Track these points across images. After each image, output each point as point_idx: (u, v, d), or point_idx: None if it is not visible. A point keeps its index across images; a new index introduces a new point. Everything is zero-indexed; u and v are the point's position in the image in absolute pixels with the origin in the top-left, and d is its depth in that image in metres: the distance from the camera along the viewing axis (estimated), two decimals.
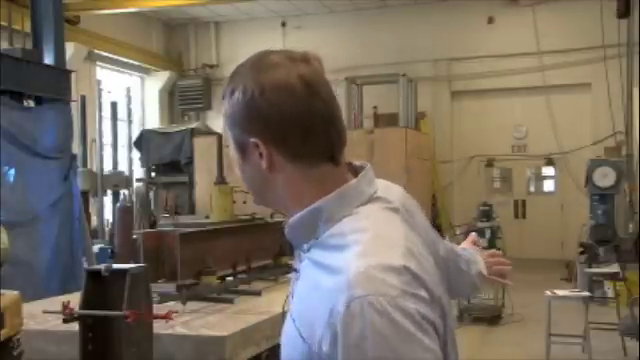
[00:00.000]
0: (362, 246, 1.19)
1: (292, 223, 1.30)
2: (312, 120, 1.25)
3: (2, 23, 8.29)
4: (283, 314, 1.38)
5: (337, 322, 1.13)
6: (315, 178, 1.28)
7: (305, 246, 1.30)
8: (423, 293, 1.17)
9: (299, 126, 1.25)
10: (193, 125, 13.52)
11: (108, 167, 10.56)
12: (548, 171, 15.13)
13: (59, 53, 7.16)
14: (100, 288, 2.20)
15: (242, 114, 1.27)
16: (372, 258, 1.17)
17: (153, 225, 6.68)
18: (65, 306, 2.18)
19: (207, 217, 6.76)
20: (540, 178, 15.44)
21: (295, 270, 1.37)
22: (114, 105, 10.61)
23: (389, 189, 1.39)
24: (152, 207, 11.00)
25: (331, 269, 1.19)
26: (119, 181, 10.26)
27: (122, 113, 11.46)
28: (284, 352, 1.31)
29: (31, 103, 6.79)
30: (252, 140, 1.26)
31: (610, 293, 8.80)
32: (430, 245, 1.40)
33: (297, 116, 1.24)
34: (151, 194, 11.50)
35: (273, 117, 1.24)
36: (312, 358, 1.21)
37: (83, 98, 9.76)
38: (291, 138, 1.25)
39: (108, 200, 10.14)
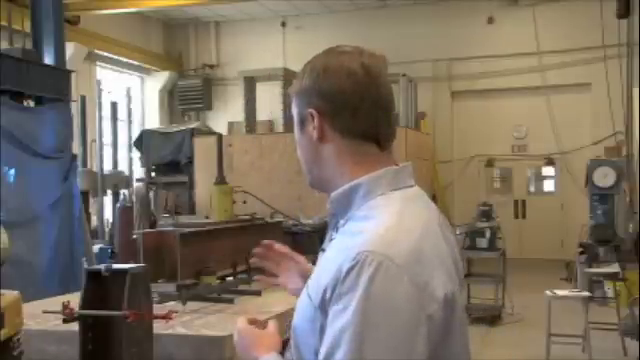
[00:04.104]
0: (386, 217, 1.31)
1: (334, 196, 1.42)
2: (363, 101, 1.39)
3: (2, 23, 8.29)
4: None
5: (344, 269, 1.24)
6: (359, 155, 1.41)
7: (342, 221, 1.40)
8: (420, 278, 1.25)
9: (350, 104, 1.39)
10: (193, 125, 13.50)
11: (108, 167, 10.55)
12: (548, 171, 15.14)
13: (59, 53, 7.16)
14: (100, 288, 2.20)
15: (306, 89, 1.43)
16: (391, 227, 1.29)
17: (153, 225, 6.66)
18: (65, 306, 2.17)
19: (207, 217, 6.76)
20: (540, 178, 15.44)
21: (322, 250, 1.47)
22: (114, 105, 10.61)
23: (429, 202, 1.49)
24: (152, 207, 10.99)
25: (356, 234, 1.31)
26: (119, 181, 10.25)
27: (122, 113, 11.44)
28: (295, 321, 1.42)
29: (31, 103, 6.78)
30: (309, 110, 1.41)
31: (610, 293, 8.79)
32: (456, 262, 1.43)
33: (351, 95, 1.39)
34: (151, 194, 11.49)
35: (330, 93, 1.40)
36: (315, 318, 1.30)
37: (83, 98, 9.76)
38: (342, 113, 1.39)
39: (108, 200, 10.13)
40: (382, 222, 1.30)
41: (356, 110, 1.39)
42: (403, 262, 1.23)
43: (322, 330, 1.27)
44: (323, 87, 1.40)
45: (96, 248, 8.17)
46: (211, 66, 16.43)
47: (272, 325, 1.61)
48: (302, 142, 1.47)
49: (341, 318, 1.21)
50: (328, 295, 1.26)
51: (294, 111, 1.48)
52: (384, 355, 1.19)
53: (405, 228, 1.30)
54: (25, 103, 6.69)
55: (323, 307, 1.28)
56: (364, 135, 1.40)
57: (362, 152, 1.41)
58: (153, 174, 12.15)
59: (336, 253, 1.31)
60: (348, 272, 1.23)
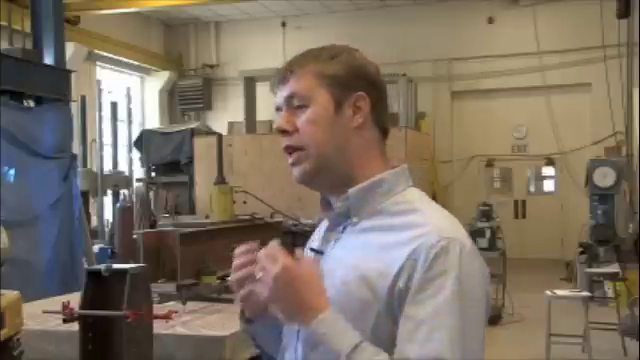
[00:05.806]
0: (434, 211, 1.36)
1: (353, 192, 1.37)
2: (386, 93, 1.44)
3: (2, 23, 8.29)
4: None
5: (422, 255, 1.25)
6: (380, 148, 1.42)
7: (354, 219, 1.37)
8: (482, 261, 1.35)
9: (384, 93, 1.43)
10: (193, 125, 13.49)
11: (108, 167, 10.55)
12: (548, 171, 15.13)
13: (59, 53, 7.16)
14: (100, 288, 2.20)
15: (350, 72, 1.38)
16: (444, 217, 1.35)
17: (153, 225, 6.67)
18: (65, 306, 2.17)
19: (207, 217, 6.76)
20: (540, 178, 15.43)
21: (318, 252, 1.42)
22: (114, 105, 10.61)
23: None
24: (152, 207, 10.99)
25: (408, 226, 1.30)
26: (119, 181, 10.25)
27: (122, 113, 11.44)
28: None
29: (31, 103, 6.78)
30: (359, 93, 1.37)
31: (610, 293, 8.79)
32: None
33: (383, 85, 1.43)
34: (151, 194, 11.50)
35: (378, 80, 1.41)
36: (371, 308, 1.27)
37: (83, 98, 9.75)
38: (381, 102, 1.41)
39: (108, 200, 10.13)
40: (432, 214, 1.34)
41: (385, 101, 1.43)
42: (471, 246, 1.30)
43: (379, 322, 1.27)
44: (371, 74, 1.41)
45: (96, 248, 8.17)
46: (211, 66, 16.42)
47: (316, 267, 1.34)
48: (328, 129, 1.36)
49: (435, 300, 1.23)
50: (401, 285, 1.25)
51: (318, 92, 1.37)
52: (476, 329, 1.26)
53: (453, 219, 1.36)
54: (25, 103, 6.69)
55: (384, 289, 1.26)
56: (385, 131, 1.43)
57: (382, 147, 1.42)
58: (153, 174, 12.16)
59: (378, 249, 1.29)
60: (434, 258, 1.24)
